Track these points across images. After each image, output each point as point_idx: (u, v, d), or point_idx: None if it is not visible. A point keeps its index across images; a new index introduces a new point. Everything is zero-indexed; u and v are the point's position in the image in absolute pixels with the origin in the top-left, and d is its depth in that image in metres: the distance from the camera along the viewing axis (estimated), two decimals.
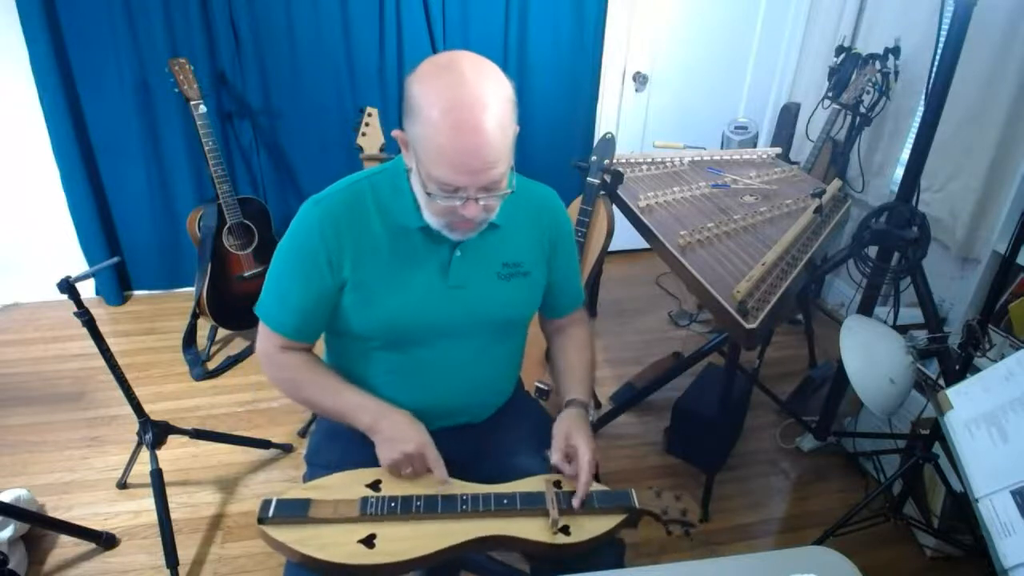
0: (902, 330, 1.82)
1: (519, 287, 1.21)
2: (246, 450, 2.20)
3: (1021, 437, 1.09)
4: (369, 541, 1.01)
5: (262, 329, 1.20)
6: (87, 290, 2.93)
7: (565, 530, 1.07)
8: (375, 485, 1.11)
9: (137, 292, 3.21)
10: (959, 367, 1.67)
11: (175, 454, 2.20)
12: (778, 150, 2.63)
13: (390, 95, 3.02)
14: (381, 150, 2.24)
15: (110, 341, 1.80)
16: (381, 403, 1.17)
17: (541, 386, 2.08)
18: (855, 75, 2.70)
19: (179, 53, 2.66)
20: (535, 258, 1.23)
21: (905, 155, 2.18)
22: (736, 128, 3.05)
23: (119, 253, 3.05)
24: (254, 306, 1.20)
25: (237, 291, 2.71)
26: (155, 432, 1.93)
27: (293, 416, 2.40)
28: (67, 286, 1.62)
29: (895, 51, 2.62)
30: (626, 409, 2.38)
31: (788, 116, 3.22)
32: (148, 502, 1.90)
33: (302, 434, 2.33)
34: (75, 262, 2.98)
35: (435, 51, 2.95)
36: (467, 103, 0.94)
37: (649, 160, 2.48)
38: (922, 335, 1.70)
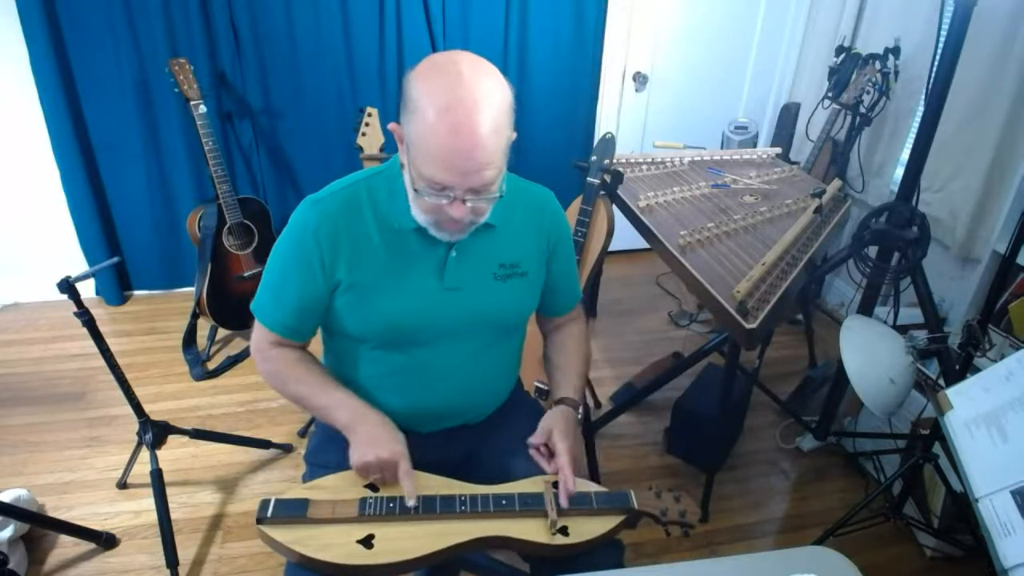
0: (902, 330, 1.81)
1: (516, 288, 1.21)
2: (246, 450, 2.20)
3: (1021, 437, 1.09)
4: (368, 541, 1.01)
5: (256, 326, 1.21)
6: (87, 290, 2.93)
7: (564, 531, 1.07)
8: (374, 486, 1.11)
9: (137, 292, 3.21)
10: (959, 367, 1.67)
11: (175, 454, 2.20)
12: (778, 150, 2.63)
13: (390, 95, 3.02)
14: (381, 150, 2.24)
15: (110, 341, 1.80)
16: (363, 405, 1.16)
17: (541, 386, 2.08)
18: (855, 75, 2.70)
19: (179, 53, 2.66)
20: (533, 259, 1.23)
21: (905, 155, 2.18)
22: (736, 128, 3.05)
23: (119, 253, 3.05)
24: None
25: (237, 291, 2.71)
26: (155, 432, 1.93)
27: (293, 416, 2.40)
28: (67, 286, 1.63)
29: (895, 51, 2.62)
30: (626, 409, 2.37)
31: (788, 116, 3.22)
32: (148, 502, 1.90)
33: (302, 434, 2.33)
34: (75, 262, 2.98)
35: (435, 51, 2.95)
36: (463, 104, 0.94)
37: (649, 160, 2.48)
38: (922, 335, 1.70)
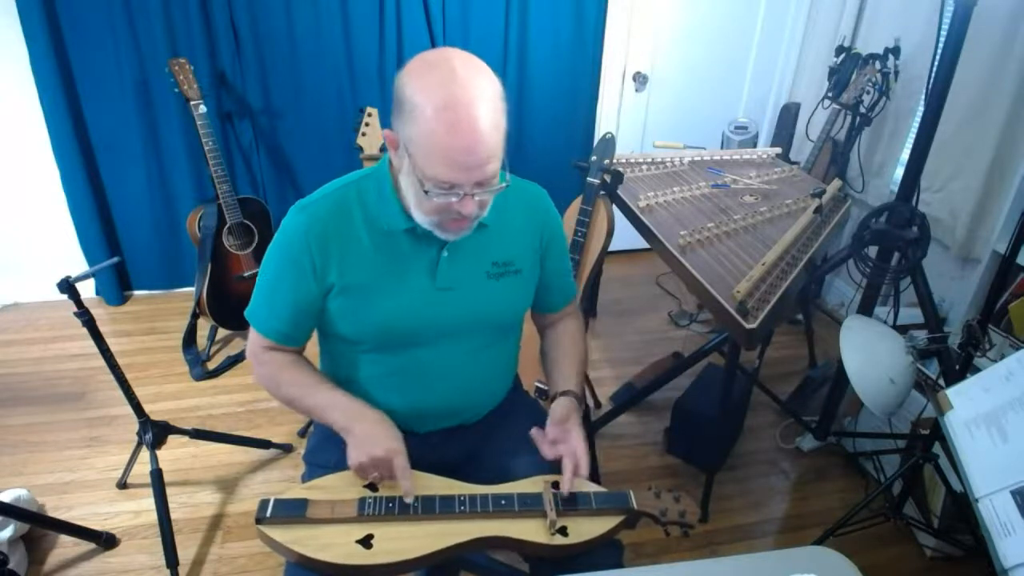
0: (902, 330, 1.81)
1: (510, 286, 1.21)
2: (246, 450, 2.20)
3: (1021, 437, 1.09)
4: (367, 542, 1.01)
5: (251, 332, 1.21)
6: (87, 290, 2.93)
7: (563, 531, 1.07)
8: (373, 485, 1.11)
9: (137, 292, 3.21)
10: (959, 367, 1.67)
11: (175, 454, 2.20)
12: (778, 150, 2.63)
13: (390, 95, 2.99)
14: (381, 150, 2.24)
15: (110, 341, 1.80)
16: (359, 404, 1.15)
17: (540, 386, 2.08)
18: (855, 75, 2.70)
19: (179, 53, 2.66)
20: (527, 256, 1.23)
21: (905, 155, 2.18)
22: (736, 128, 3.05)
23: (119, 253, 3.05)
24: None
25: (237, 291, 2.71)
26: (155, 432, 1.93)
27: (293, 416, 2.40)
28: (67, 286, 1.63)
29: (895, 51, 2.62)
30: (626, 409, 2.37)
31: (788, 116, 3.22)
32: (148, 502, 1.90)
33: (302, 434, 2.33)
34: (75, 262, 2.98)
35: None
36: (462, 100, 0.94)
37: (649, 160, 2.48)
38: (922, 335, 1.69)
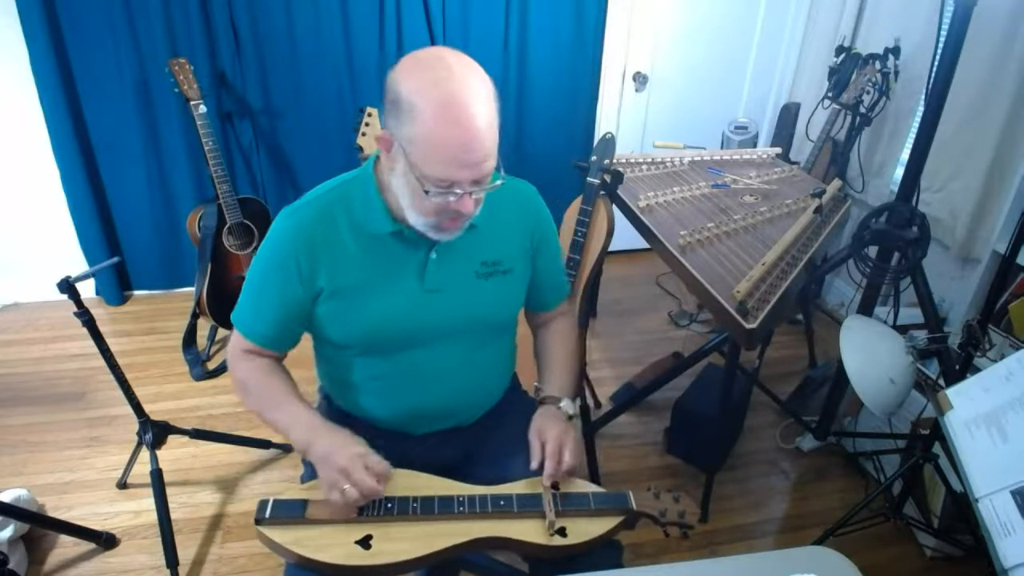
0: (902, 330, 1.81)
1: (500, 285, 1.20)
2: (246, 450, 2.20)
3: (1021, 437, 1.09)
4: (365, 542, 1.01)
5: (233, 334, 1.21)
6: (87, 290, 2.93)
7: (562, 532, 1.06)
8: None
9: (137, 292, 3.21)
10: (959, 367, 1.67)
11: (175, 454, 2.20)
12: (778, 150, 2.63)
13: None
14: None
15: (110, 341, 1.80)
16: (319, 420, 1.11)
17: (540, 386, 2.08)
18: (855, 75, 2.69)
19: (179, 53, 2.66)
20: (518, 255, 1.22)
21: (905, 155, 2.17)
22: (736, 128, 3.05)
23: (119, 253, 3.05)
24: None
25: (237, 291, 2.68)
26: (155, 432, 1.93)
27: None
28: (67, 286, 1.63)
29: (895, 51, 2.62)
30: (626, 409, 2.37)
31: (788, 116, 3.22)
32: (148, 502, 1.90)
33: None
34: (75, 262, 2.98)
35: None
36: (460, 98, 0.94)
37: (649, 160, 2.48)
38: (922, 335, 1.69)
